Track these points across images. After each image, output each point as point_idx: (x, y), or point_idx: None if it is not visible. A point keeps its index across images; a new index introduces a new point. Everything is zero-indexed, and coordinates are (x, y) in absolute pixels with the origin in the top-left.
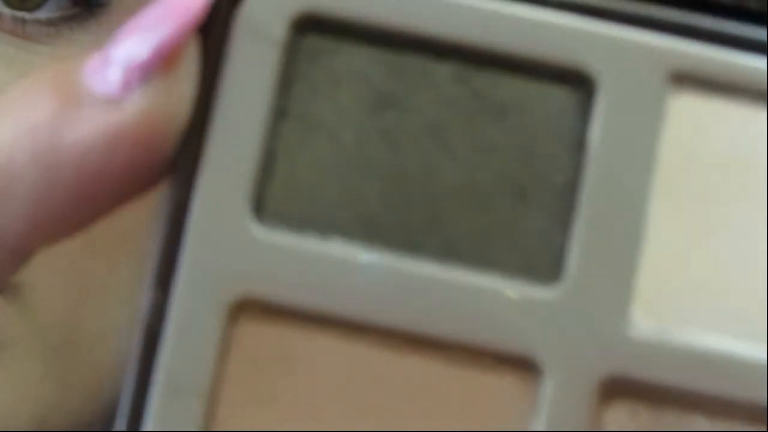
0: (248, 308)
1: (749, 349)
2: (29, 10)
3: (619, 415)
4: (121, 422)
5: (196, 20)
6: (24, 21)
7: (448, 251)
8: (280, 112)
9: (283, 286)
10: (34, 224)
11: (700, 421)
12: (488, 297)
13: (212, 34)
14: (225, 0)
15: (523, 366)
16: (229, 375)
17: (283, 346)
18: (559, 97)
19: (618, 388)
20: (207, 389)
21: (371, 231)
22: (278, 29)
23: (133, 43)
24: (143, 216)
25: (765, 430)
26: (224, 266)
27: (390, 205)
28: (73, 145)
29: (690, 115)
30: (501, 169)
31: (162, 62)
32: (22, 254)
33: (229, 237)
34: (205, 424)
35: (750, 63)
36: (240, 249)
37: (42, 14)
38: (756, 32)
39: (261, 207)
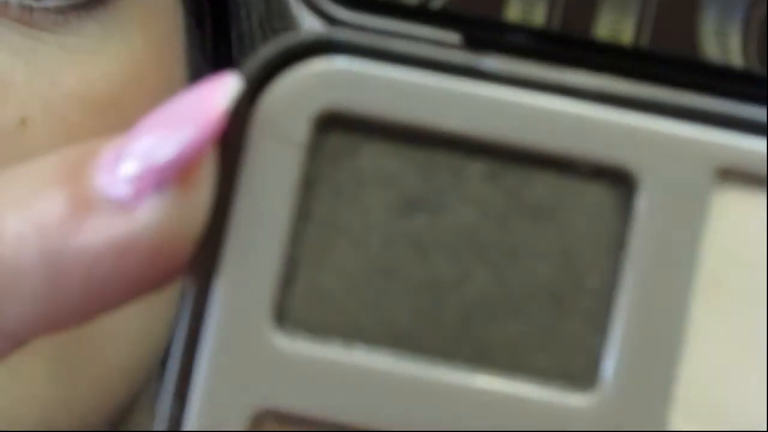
0: (270, 420)
1: None
2: None
3: None
4: None
5: (220, 123)
6: (31, 9)
7: (481, 360)
8: (302, 216)
9: (306, 398)
10: (36, 321)
11: None
12: (522, 405)
13: (229, 134)
14: (242, 99)
15: None
16: None
17: None
18: (598, 196)
19: None
20: None
21: (399, 340)
22: (299, 129)
23: (154, 141)
24: None
25: None
26: (244, 378)
27: (419, 312)
28: (82, 251)
29: (736, 214)
30: (536, 273)
31: (182, 167)
32: (17, 343)
33: (249, 347)
34: None
35: None
36: (261, 359)
37: (50, 2)
38: None
39: (283, 315)
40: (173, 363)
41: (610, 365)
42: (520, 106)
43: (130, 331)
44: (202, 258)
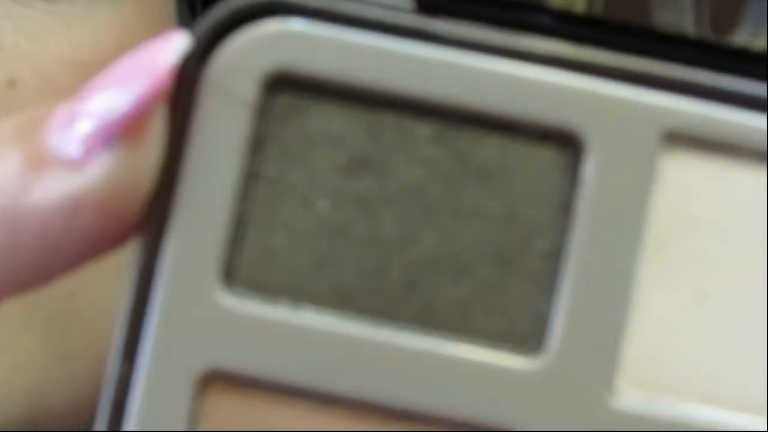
0: (217, 380)
1: (738, 421)
2: None
3: None
4: None
5: (168, 77)
6: None
7: (426, 320)
8: (251, 176)
9: (253, 358)
10: None
11: None
12: (468, 368)
13: (180, 93)
14: (192, 58)
15: None
16: None
17: (253, 418)
18: (545, 158)
19: None
20: None
21: (346, 299)
22: (248, 89)
23: (106, 97)
24: None
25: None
26: (192, 337)
27: (366, 272)
28: (36, 207)
29: (683, 177)
30: (483, 235)
31: (131, 122)
32: None
33: (197, 306)
34: None
35: (748, 121)
36: (208, 319)
37: None
38: (755, 88)
39: (230, 274)
40: (121, 322)
41: (557, 328)
42: (469, 69)
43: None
44: (152, 216)
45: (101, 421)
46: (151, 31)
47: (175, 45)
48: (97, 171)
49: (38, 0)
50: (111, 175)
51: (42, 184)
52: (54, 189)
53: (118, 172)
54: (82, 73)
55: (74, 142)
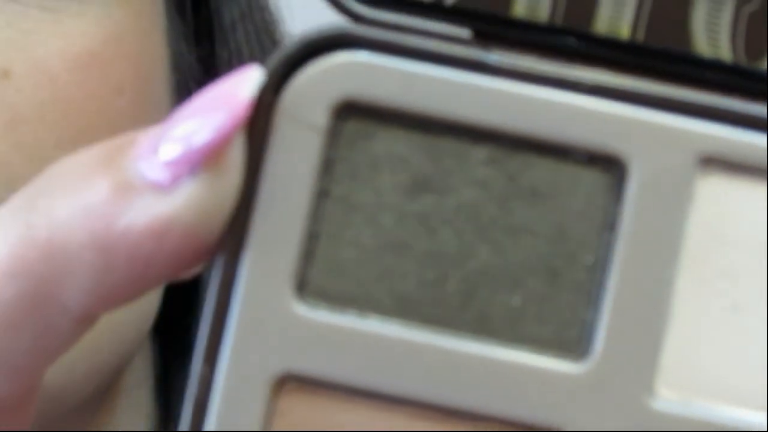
0: (291, 382)
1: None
2: None
3: None
4: None
5: (247, 109)
6: None
7: (481, 328)
8: (321, 195)
9: (323, 362)
10: (93, 298)
11: None
12: (519, 372)
13: (256, 121)
14: (267, 88)
15: None
16: None
17: (323, 418)
18: (591, 179)
19: None
20: None
21: (408, 308)
22: (319, 116)
23: (191, 127)
24: None
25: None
26: (268, 343)
27: (426, 284)
28: (126, 231)
29: (718, 197)
30: (533, 250)
31: (214, 151)
32: (85, 322)
33: (272, 315)
34: None
35: None
36: (283, 326)
37: None
38: None
39: (303, 286)
40: (203, 330)
41: (600, 335)
42: (521, 97)
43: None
44: (231, 234)
45: (185, 421)
46: (140, 32)
47: (251, 77)
48: (183, 196)
49: None
50: (196, 200)
51: (132, 210)
52: (143, 214)
53: (202, 197)
54: (75, 66)
55: (161, 168)
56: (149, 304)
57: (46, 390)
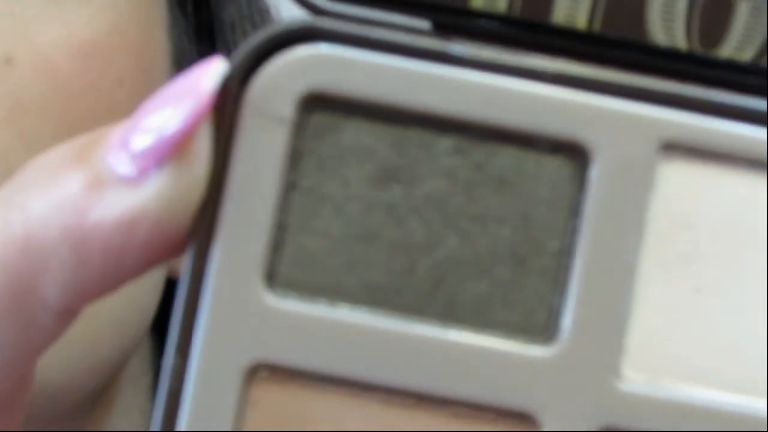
0: (262, 371)
1: (733, 401)
2: None
3: None
4: None
5: (210, 99)
6: None
7: (450, 314)
8: (289, 186)
9: (294, 351)
10: (70, 291)
11: None
12: (488, 356)
13: (223, 114)
14: (234, 81)
15: (521, 421)
16: None
17: (296, 406)
18: (555, 167)
19: None
20: None
21: (377, 297)
22: (286, 108)
23: (157, 119)
24: None
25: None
26: (239, 333)
27: (395, 273)
28: (98, 224)
29: (680, 182)
30: (500, 237)
31: (181, 141)
32: (67, 316)
33: (243, 305)
34: None
35: (738, 131)
36: (254, 316)
37: None
38: (742, 100)
39: (273, 276)
40: (175, 321)
41: (568, 319)
42: (485, 87)
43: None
44: (201, 225)
45: (158, 411)
46: (143, 24)
47: (215, 69)
48: (152, 188)
49: None
50: (164, 191)
51: (103, 203)
52: (114, 207)
53: (170, 188)
54: (77, 56)
55: (129, 162)
56: (149, 300)
57: (48, 388)
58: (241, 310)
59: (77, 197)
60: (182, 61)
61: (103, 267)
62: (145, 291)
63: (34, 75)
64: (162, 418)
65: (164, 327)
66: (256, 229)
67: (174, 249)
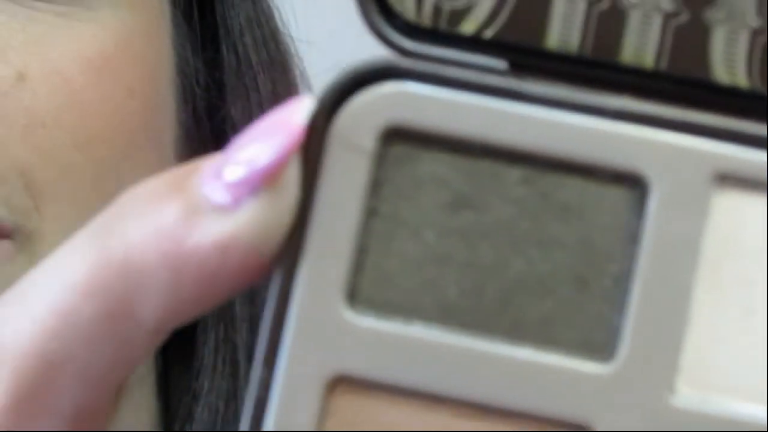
0: (343, 383)
1: None
2: None
3: None
4: None
5: (301, 133)
6: None
7: (517, 332)
8: (370, 213)
9: (372, 364)
10: (165, 313)
11: None
12: (550, 372)
13: (310, 146)
14: (320, 115)
15: (574, 430)
16: None
17: (372, 416)
18: (616, 196)
19: None
20: None
21: (449, 315)
22: (368, 140)
23: (252, 150)
24: None
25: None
26: (322, 347)
27: (466, 292)
28: (194, 250)
29: (732, 211)
30: (564, 261)
31: (273, 172)
32: (159, 335)
33: (325, 322)
34: None
35: None
36: (335, 332)
37: None
38: None
39: (354, 295)
40: (263, 335)
41: (625, 339)
42: (552, 122)
43: None
44: (289, 248)
45: (245, 420)
46: (149, 36)
47: (305, 106)
48: (245, 215)
49: (41, 2)
50: (256, 218)
51: (199, 230)
52: (209, 233)
53: (262, 215)
54: (89, 68)
55: (224, 191)
56: None
57: None
58: (323, 327)
59: (174, 224)
60: (185, 69)
61: (199, 290)
62: None
63: (48, 89)
64: (249, 424)
65: None
66: (339, 252)
67: (263, 272)
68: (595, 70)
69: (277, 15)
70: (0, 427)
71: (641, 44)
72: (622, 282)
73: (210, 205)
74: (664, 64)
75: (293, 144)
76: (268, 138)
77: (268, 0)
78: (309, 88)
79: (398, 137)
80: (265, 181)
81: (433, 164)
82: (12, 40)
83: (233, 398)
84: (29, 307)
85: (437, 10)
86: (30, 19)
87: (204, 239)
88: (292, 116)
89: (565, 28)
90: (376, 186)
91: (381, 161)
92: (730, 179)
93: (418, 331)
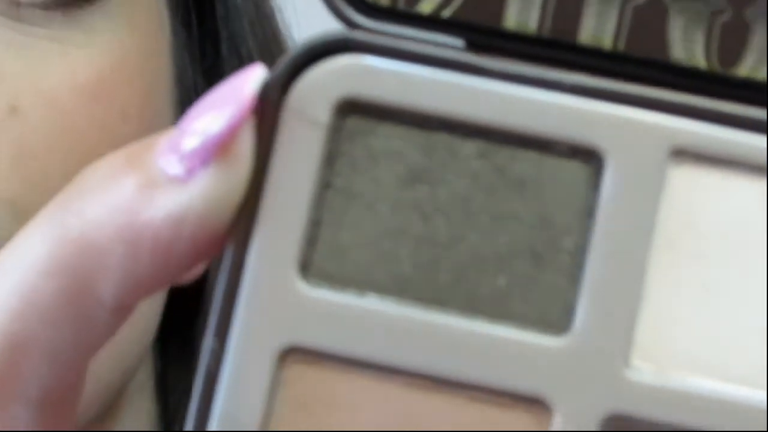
0: (294, 354)
1: (736, 392)
2: None
3: None
4: None
5: (251, 102)
6: (18, 4)
7: (471, 306)
8: (324, 185)
9: (324, 336)
10: (124, 288)
11: None
12: (505, 345)
13: (265, 118)
14: (275, 88)
15: (536, 405)
16: (277, 412)
17: (325, 387)
18: (572, 171)
19: (618, 426)
20: (258, 424)
21: (403, 288)
22: (323, 113)
23: (203, 122)
24: None
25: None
26: (274, 318)
27: (420, 266)
28: (149, 222)
29: (689, 186)
30: (519, 235)
31: (225, 141)
32: (121, 313)
33: (278, 293)
34: None
35: (744, 139)
36: (288, 304)
37: None
38: (752, 111)
39: (307, 268)
40: (215, 307)
41: (580, 312)
42: (508, 96)
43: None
44: (241, 221)
45: (197, 390)
46: (147, 55)
47: (256, 75)
48: (198, 187)
49: (38, 27)
50: (209, 190)
51: (153, 202)
52: (163, 206)
53: (215, 187)
54: (83, 96)
55: (178, 163)
56: (147, 321)
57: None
58: (276, 298)
59: (131, 199)
60: (183, 79)
61: (153, 263)
62: (142, 312)
63: (40, 119)
64: (199, 397)
65: (164, 332)
66: (292, 225)
67: (216, 245)
68: (553, 50)
69: (279, 17)
70: None
71: (600, 25)
72: (578, 256)
73: (165, 178)
74: (621, 45)
75: (244, 113)
76: (219, 108)
77: (269, 1)
78: None
79: (353, 110)
80: (217, 151)
81: (389, 138)
82: (5, 69)
83: None
84: None
85: None
86: (24, 47)
87: (158, 212)
88: (243, 86)
89: (523, 9)
90: (330, 159)
91: (335, 134)
92: (687, 154)
93: (372, 303)
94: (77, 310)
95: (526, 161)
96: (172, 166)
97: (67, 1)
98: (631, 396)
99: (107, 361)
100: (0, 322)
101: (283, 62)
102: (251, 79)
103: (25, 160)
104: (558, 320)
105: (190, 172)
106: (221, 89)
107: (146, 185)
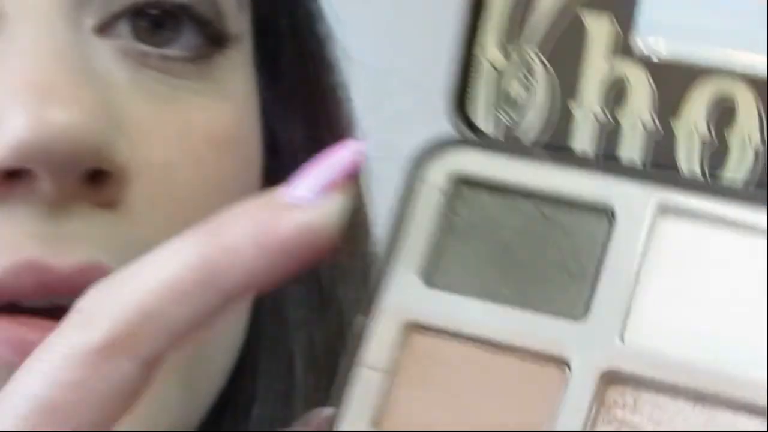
0: (417, 328)
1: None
2: (159, 45)
3: (613, 395)
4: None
5: (351, 167)
6: (167, 58)
7: (528, 302)
8: (446, 223)
9: (438, 317)
10: (246, 283)
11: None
12: (546, 326)
13: (405, 186)
14: (414, 166)
15: (560, 364)
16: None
17: (433, 350)
18: (593, 220)
19: (611, 379)
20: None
21: (491, 295)
22: (443, 184)
23: (317, 175)
24: None
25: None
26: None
27: (501, 275)
28: (282, 232)
29: (672, 232)
30: (558, 259)
31: (333, 187)
32: (233, 302)
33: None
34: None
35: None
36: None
37: (180, 51)
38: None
39: (430, 280)
40: (367, 296)
41: (593, 309)
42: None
43: (227, 339)
44: (390, 246)
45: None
46: (254, 108)
47: (357, 148)
48: (316, 211)
49: (182, 80)
50: (323, 214)
51: (284, 218)
52: (292, 219)
53: (327, 212)
54: (218, 147)
55: (304, 193)
56: (223, 360)
57: (178, 426)
58: (407, 295)
59: (266, 215)
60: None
61: (278, 260)
62: (219, 351)
63: (185, 170)
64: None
65: None
66: (420, 245)
67: (327, 254)
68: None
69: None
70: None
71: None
72: (596, 274)
73: (293, 203)
74: None
75: (347, 172)
76: (331, 168)
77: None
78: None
79: (465, 184)
80: (329, 191)
81: (482, 199)
82: (159, 123)
83: (287, 401)
84: (143, 277)
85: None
86: (173, 99)
87: (288, 226)
88: (347, 155)
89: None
90: (448, 212)
91: (451, 198)
92: (672, 210)
93: (475, 302)
94: (202, 297)
95: (563, 214)
96: (299, 192)
97: (206, 52)
98: (625, 359)
99: (177, 403)
100: (138, 296)
101: (420, 148)
102: (356, 151)
103: (177, 211)
104: (579, 312)
105: (311, 201)
106: (330, 157)
107: (280, 208)
